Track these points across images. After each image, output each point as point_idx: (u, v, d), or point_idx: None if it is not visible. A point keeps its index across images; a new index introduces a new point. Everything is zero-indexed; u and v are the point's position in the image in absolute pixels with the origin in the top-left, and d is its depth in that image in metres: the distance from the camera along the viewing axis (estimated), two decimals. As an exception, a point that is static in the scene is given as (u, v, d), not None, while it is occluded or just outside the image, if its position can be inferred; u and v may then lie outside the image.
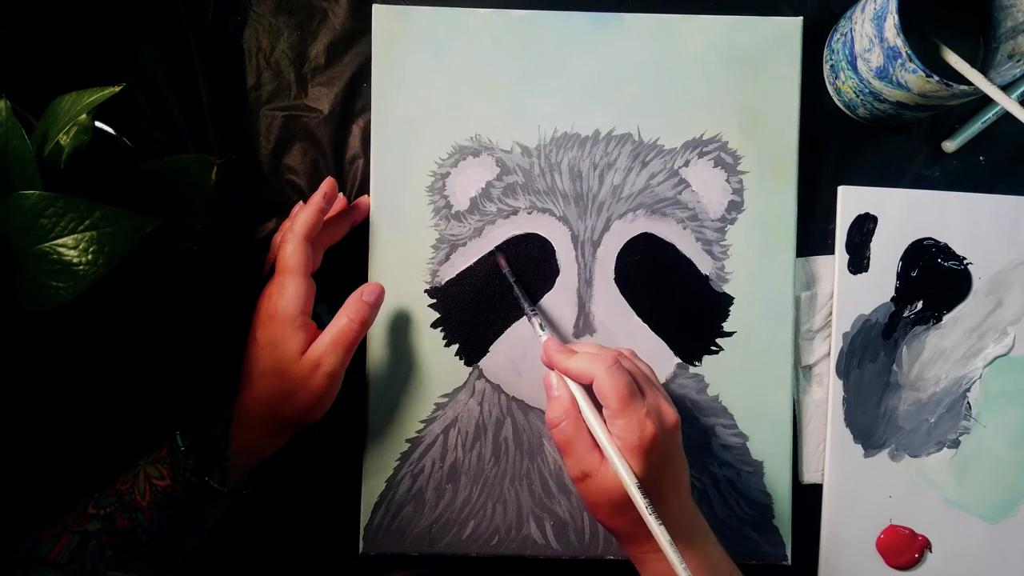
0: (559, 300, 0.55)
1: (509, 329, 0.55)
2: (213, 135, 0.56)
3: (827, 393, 0.56)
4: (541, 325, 0.51)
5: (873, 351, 0.56)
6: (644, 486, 0.42)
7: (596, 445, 0.45)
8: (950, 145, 0.57)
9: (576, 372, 0.46)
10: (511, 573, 0.56)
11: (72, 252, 0.41)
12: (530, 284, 0.55)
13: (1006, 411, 0.56)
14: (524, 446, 0.56)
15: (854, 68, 0.52)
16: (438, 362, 0.55)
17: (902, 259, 0.56)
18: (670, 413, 0.45)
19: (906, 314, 0.56)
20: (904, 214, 0.56)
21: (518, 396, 0.56)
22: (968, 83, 0.47)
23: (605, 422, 0.45)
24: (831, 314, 0.56)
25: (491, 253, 0.55)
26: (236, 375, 0.50)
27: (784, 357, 0.56)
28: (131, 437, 0.53)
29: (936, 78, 0.46)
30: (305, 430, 0.50)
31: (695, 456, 0.55)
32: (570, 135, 0.56)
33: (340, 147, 0.57)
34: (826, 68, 0.57)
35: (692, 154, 0.56)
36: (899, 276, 0.56)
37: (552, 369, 0.48)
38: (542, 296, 0.55)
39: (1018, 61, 0.49)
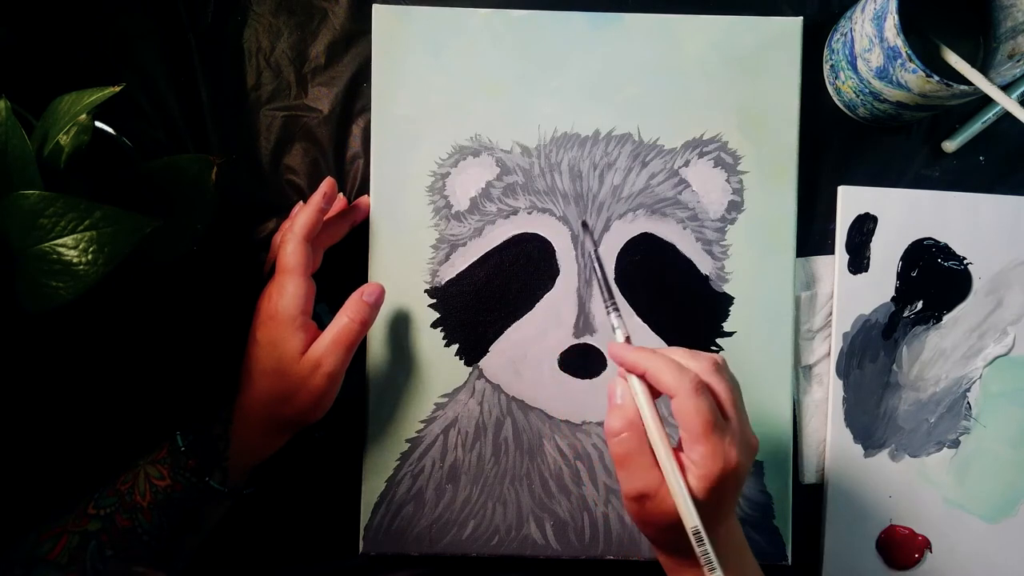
0: (559, 300, 0.55)
1: (509, 329, 0.55)
2: (213, 135, 0.56)
3: (827, 393, 0.56)
4: (619, 316, 0.47)
5: (873, 351, 0.56)
6: (703, 512, 0.40)
7: (656, 462, 0.41)
8: (950, 145, 0.57)
9: (660, 382, 0.41)
10: (511, 573, 0.56)
11: (72, 252, 0.41)
12: (530, 284, 0.55)
13: (1006, 411, 0.56)
14: (524, 446, 0.56)
15: (854, 68, 0.52)
16: (438, 362, 0.55)
17: (902, 259, 0.56)
18: (753, 439, 0.42)
19: (906, 314, 0.56)
20: (904, 214, 0.56)
21: (518, 396, 0.56)
22: (968, 83, 0.47)
23: (678, 445, 0.41)
24: (831, 314, 0.56)
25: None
26: (236, 375, 0.50)
27: (784, 357, 0.56)
28: (131, 437, 0.53)
29: (936, 78, 0.46)
30: (305, 430, 0.50)
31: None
32: (570, 135, 0.56)
33: (340, 147, 0.57)
34: (826, 68, 0.57)
35: (692, 154, 0.56)
36: (899, 276, 0.56)
37: (622, 367, 0.44)
38: (542, 296, 0.55)
39: (1018, 61, 0.49)
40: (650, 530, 0.43)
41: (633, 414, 0.42)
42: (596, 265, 0.51)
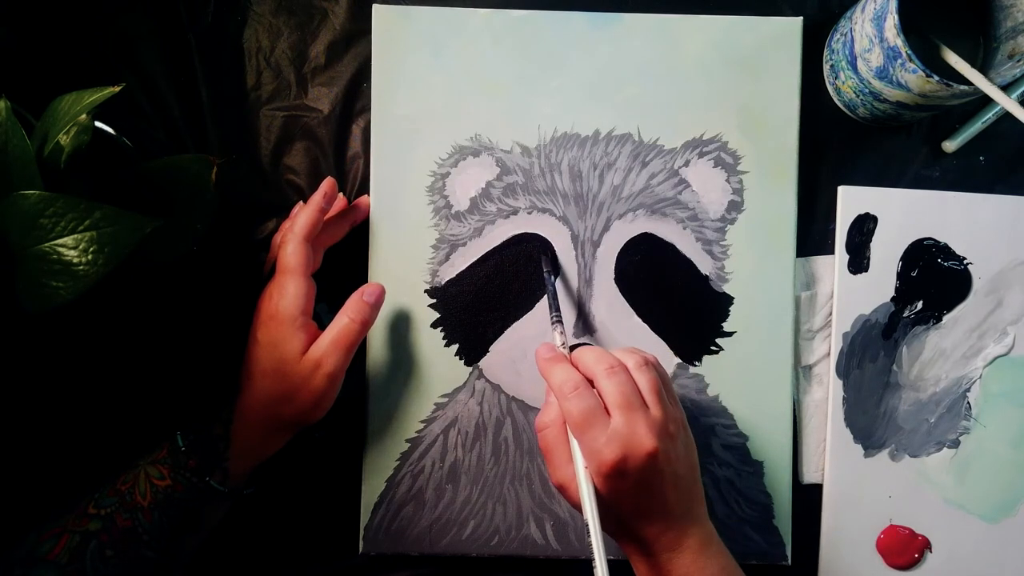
0: (559, 300, 0.55)
1: (509, 329, 0.55)
2: (213, 135, 0.56)
3: (827, 393, 0.56)
4: (562, 333, 0.50)
5: (873, 351, 0.56)
6: (610, 507, 0.43)
7: (572, 458, 0.44)
8: (950, 145, 0.57)
9: (550, 385, 0.45)
10: (511, 573, 0.56)
11: (72, 252, 0.41)
12: (530, 283, 0.55)
13: (1006, 411, 0.56)
14: (524, 446, 0.56)
15: (854, 68, 0.52)
16: (438, 362, 0.55)
17: (902, 259, 0.56)
18: (645, 442, 0.42)
19: (906, 314, 0.56)
20: (904, 214, 0.56)
21: (518, 396, 0.56)
22: (968, 83, 0.47)
23: None
24: (831, 314, 0.56)
25: (535, 253, 0.55)
26: (236, 375, 0.50)
27: (784, 357, 0.56)
28: (131, 437, 0.53)
29: (936, 78, 0.46)
30: (305, 430, 0.50)
31: (695, 456, 0.55)
32: (570, 135, 0.56)
33: (340, 147, 0.57)
34: (826, 68, 0.57)
35: (692, 154, 0.56)
36: (899, 276, 0.56)
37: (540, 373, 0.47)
38: (542, 296, 0.55)
39: (1018, 61, 0.49)
40: (576, 509, 0.45)
41: (558, 411, 0.45)
42: (550, 286, 0.53)
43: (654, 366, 0.46)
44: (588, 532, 0.41)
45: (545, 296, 0.55)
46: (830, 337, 0.56)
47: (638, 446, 0.42)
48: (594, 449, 0.42)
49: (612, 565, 0.55)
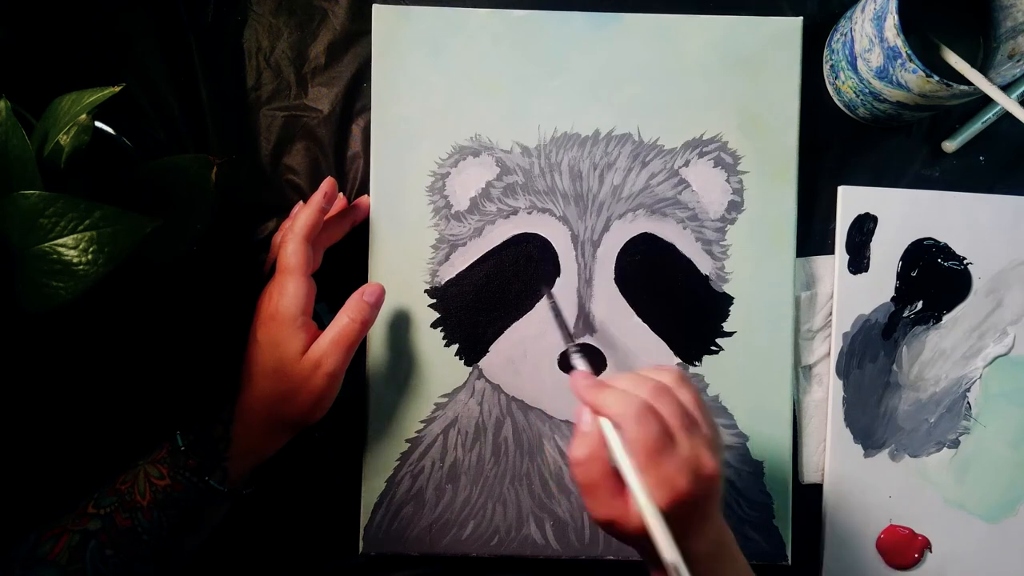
0: (559, 300, 0.55)
1: (509, 329, 0.55)
2: (213, 135, 0.56)
3: (827, 393, 0.56)
4: (587, 363, 0.48)
5: (873, 351, 0.56)
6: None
7: (620, 490, 0.40)
8: (950, 145, 0.57)
9: (607, 412, 0.41)
10: (511, 573, 0.56)
11: (72, 252, 0.41)
12: (530, 284, 0.55)
13: (1006, 411, 0.56)
14: (524, 446, 0.56)
15: (854, 68, 0.52)
16: (438, 362, 0.55)
17: (902, 259, 0.56)
18: (708, 463, 0.40)
19: (906, 314, 0.56)
20: (904, 214, 0.56)
21: (518, 396, 0.56)
22: (968, 83, 0.47)
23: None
24: (831, 314, 0.56)
25: (540, 289, 0.55)
26: (236, 375, 0.50)
27: (784, 357, 0.56)
28: (131, 437, 0.53)
29: (936, 78, 0.46)
30: (305, 430, 0.50)
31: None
32: (570, 135, 0.56)
33: (340, 147, 0.57)
34: (826, 68, 0.57)
35: (692, 154, 0.56)
36: (899, 276, 0.56)
37: (584, 402, 0.44)
38: (542, 297, 0.55)
39: (1018, 61, 0.49)
40: (628, 543, 0.42)
41: (596, 442, 0.41)
42: (555, 314, 0.53)
43: (688, 381, 0.44)
44: (676, 573, 0.37)
45: (545, 296, 0.55)
46: (830, 337, 0.56)
47: (703, 468, 0.40)
48: (666, 477, 0.39)
49: (612, 565, 0.56)
